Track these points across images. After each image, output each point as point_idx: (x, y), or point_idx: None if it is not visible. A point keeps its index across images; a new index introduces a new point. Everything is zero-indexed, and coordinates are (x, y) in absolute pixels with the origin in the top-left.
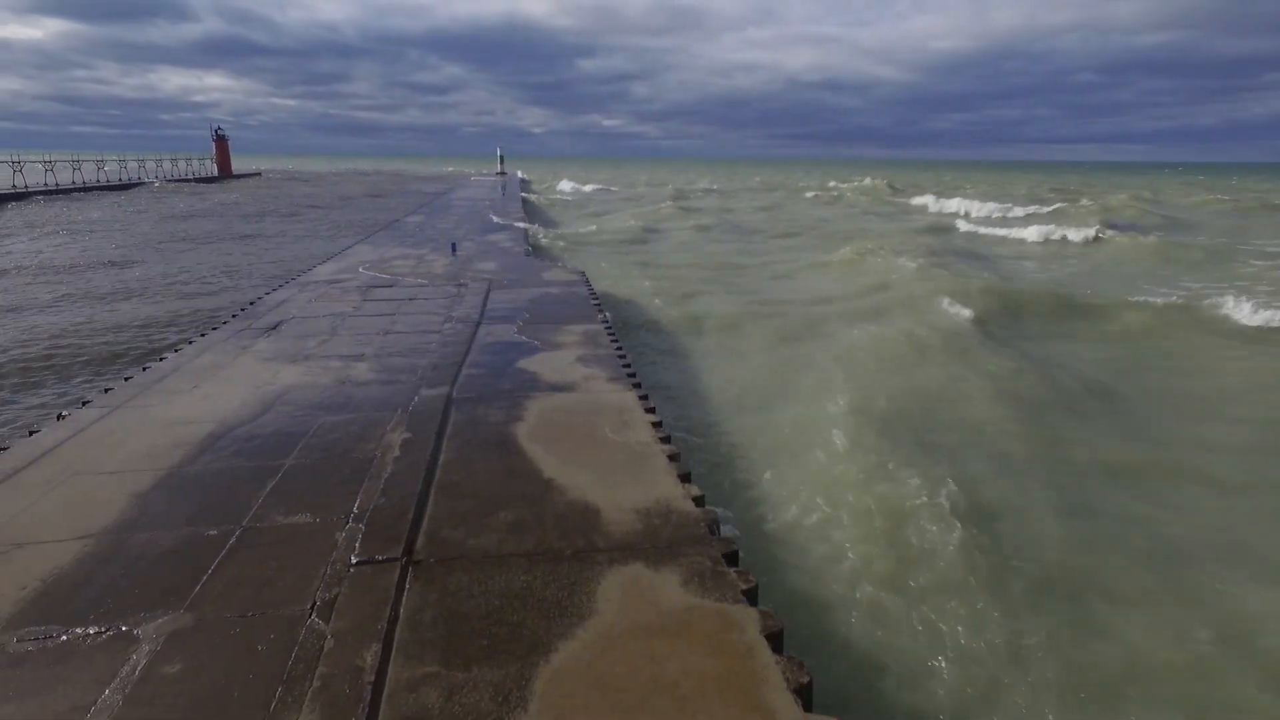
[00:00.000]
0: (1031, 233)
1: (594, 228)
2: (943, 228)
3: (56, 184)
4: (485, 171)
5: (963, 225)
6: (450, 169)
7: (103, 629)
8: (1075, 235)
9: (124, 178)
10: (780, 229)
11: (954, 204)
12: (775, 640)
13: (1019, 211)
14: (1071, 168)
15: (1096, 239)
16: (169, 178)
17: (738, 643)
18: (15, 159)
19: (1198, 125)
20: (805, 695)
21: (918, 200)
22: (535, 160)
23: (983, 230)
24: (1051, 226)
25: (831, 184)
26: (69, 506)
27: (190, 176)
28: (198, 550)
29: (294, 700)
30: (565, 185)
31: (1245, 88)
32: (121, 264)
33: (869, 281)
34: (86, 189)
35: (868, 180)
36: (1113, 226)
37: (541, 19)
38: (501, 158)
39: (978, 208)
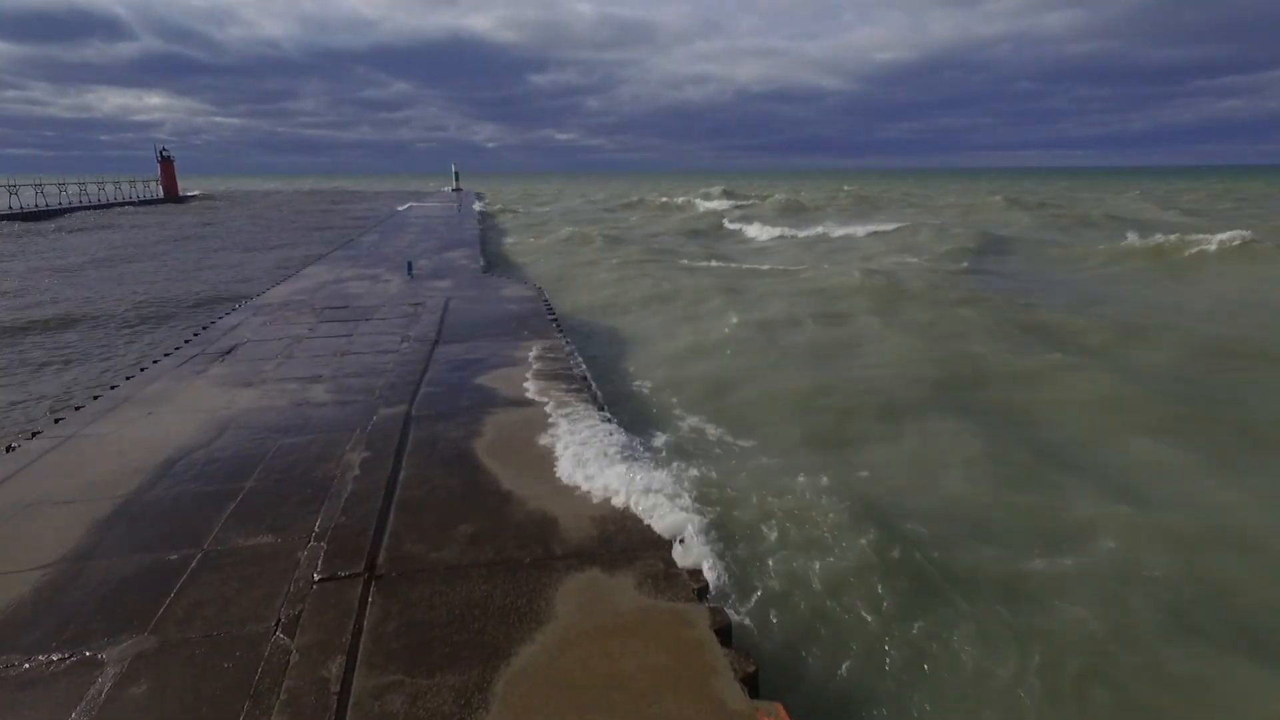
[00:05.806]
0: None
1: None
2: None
3: None
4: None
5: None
6: (373, 186)
7: (66, 655)
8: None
9: None
10: None
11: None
12: (724, 634)
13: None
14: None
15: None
16: (111, 200)
17: (689, 638)
18: None
19: (1130, 131)
20: (751, 684)
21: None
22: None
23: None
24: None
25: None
26: (23, 538)
27: (135, 199)
28: (158, 575)
29: (261, 713)
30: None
31: (1173, 94)
32: None
33: None
34: None
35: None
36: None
37: (487, 34)
38: (456, 174)
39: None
